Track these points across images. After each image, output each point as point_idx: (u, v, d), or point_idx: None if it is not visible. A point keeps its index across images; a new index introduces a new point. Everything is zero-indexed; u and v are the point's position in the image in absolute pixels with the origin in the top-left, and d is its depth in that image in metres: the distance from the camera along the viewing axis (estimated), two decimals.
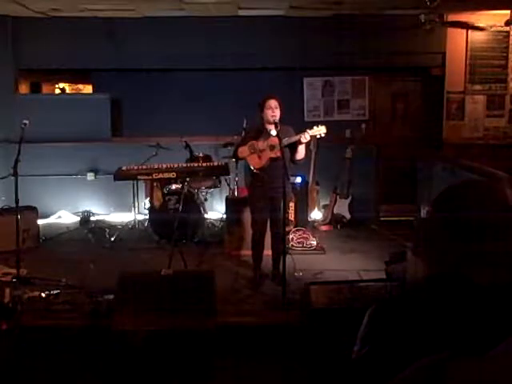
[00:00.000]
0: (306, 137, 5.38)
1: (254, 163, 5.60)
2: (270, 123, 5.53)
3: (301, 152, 5.53)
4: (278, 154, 5.37)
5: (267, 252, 5.90)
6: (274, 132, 5.45)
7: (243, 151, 5.62)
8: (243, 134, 5.96)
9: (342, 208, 8.18)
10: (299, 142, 5.43)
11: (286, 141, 5.41)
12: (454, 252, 1.27)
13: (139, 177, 6.12)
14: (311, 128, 5.48)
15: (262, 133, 5.61)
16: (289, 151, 5.54)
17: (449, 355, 0.92)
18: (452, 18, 8.44)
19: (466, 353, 0.92)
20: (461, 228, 1.27)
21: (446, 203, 1.34)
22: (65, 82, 10.46)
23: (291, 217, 7.21)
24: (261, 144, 5.56)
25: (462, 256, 1.26)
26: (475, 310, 1.20)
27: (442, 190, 1.38)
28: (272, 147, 5.49)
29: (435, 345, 1.14)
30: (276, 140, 5.39)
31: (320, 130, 5.48)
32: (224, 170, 6.24)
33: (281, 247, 5.53)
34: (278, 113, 5.46)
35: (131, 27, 8.51)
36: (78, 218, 8.39)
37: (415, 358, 1.10)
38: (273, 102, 5.47)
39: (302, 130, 5.47)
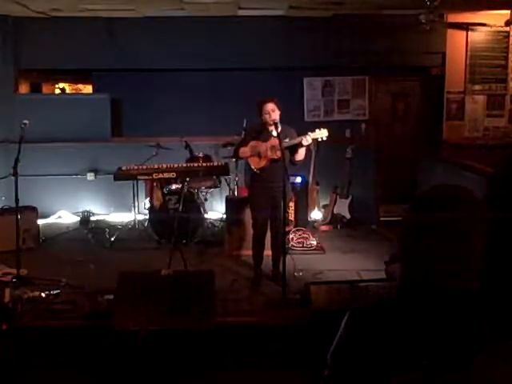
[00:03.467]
0: (307, 140, 5.39)
1: (255, 164, 5.61)
2: (270, 124, 5.54)
3: (301, 154, 5.54)
4: (279, 155, 5.39)
5: (267, 252, 5.90)
6: (275, 132, 5.47)
7: (244, 152, 5.63)
8: (243, 133, 5.97)
9: (342, 208, 8.18)
10: (300, 145, 5.44)
11: (286, 143, 5.41)
12: (425, 255, 1.27)
13: (139, 177, 6.12)
14: (313, 131, 5.48)
15: (263, 133, 5.62)
16: (289, 152, 5.55)
17: (430, 371, 0.91)
18: (452, 17, 8.44)
19: (442, 364, 0.91)
20: (431, 230, 1.27)
21: (419, 207, 1.34)
22: (65, 82, 10.46)
23: (291, 217, 7.22)
24: (262, 145, 5.56)
25: (433, 259, 1.26)
26: (445, 319, 1.19)
27: (417, 194, 1.38)
28: (273, 148, 5.50)
29: (408, 357, 1.12)
30: (277, 141, 5.40)
31: (322, 134, 5.46)
32: (224, 170, 6.24)
33: (281, 247, 5.54)
34: (276, 115, 5.46)
35: (131, 27, 8.51)
36: (78, 218, 8.38)
37: (386, 373, 1.08)
38: (269, 106, 5.46)
39: (304, 132, 5.47)
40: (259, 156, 5.58)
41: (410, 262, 1.30)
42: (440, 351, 1.07)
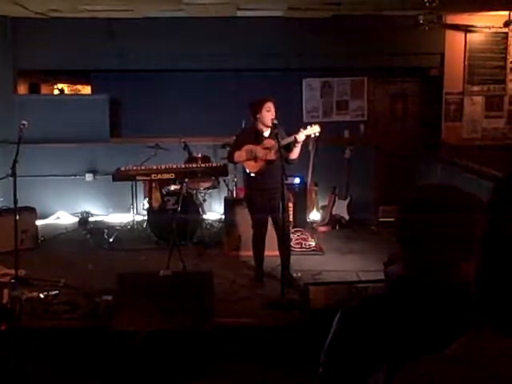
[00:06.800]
0: (300, 137, 5.40)
1: (251, 167, 5.61)
2: (266, 125, 5.54)
3: (295, 152, 5.54)
4: (274, 157, 5.41)
5: (268, 252, 5.90)
6: (266, 133, 5.50)
7: (240, 156, 5.63)
8: (236, 137, 5.93)
9: (341, 209, 8.18)
10: (294, 143, 5.45)
11: (281, 142, 5.42)
12: (422, 253, 1.29)
13: (138, 177, 6.13)
14: (305, 128, 5.51)
15: (257, 135, 5.62)
16: (283, 151, 5.56)
17: (402, 359, 0.92)
18: (451, 18, 8.45)
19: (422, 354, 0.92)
20: (426, 230, 1.29)
21: (411, 206, 1.37)
22: (64, 83, 10.46)
23: (290, 217, 7.21)
24: (257, 147, 5.56)
25: (428, 257, 1.28)
26: (436, 316, 1.21)
27: (408, 193, 1.42)
28: (268, 149, 5.50)
29: (399, 350, 1.14)
30: (271, 142, 5.43)
31: (314, 130, 5.52)
32: (222, 171, 6.26)
33: (286, 249, 5.56)
34: (274, 114, 5.49)
35: (130, 28, 8.50)
36: (77, 219, 8.37)
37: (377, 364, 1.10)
38: (272, 104, 5.48)
39: (296, 130, 5.49)
40: (255, 159, 5.58)
41: (408, 258, 1.33)
42: (426, 344, 1.08)
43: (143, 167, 6.42)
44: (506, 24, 8.50)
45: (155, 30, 8.48)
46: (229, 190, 7.79)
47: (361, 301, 1.47)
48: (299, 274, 5.94)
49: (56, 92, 10.38)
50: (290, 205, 7.16)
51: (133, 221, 7.85)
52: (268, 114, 5.48)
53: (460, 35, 8.58)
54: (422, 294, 1.27)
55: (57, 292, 5.31)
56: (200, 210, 7.30)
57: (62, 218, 8.61)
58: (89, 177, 8.70)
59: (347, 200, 8.22)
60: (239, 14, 8.20)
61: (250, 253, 5.98)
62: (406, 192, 1.44)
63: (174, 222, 5.87)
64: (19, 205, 5.68)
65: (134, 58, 8.52)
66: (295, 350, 4.39)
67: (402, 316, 1.27)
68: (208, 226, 7.71)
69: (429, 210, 1.31)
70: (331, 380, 1.36)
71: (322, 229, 8.03)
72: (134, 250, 6.92)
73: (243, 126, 7.26)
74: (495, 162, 6.75)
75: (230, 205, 6.98)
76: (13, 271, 5.56)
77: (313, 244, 6.97)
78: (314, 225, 8.05)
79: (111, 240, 7.27)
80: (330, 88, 8.97)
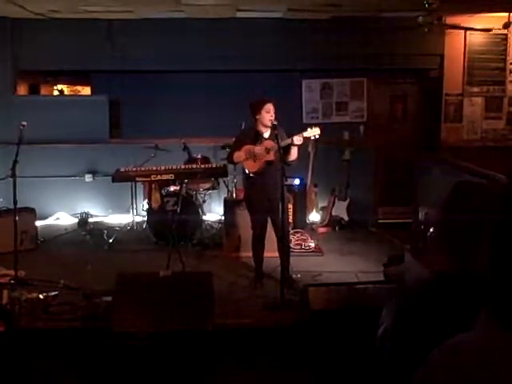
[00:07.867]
0: (299, 139, 5.41)
1: (250, 167, 5.62)
2: (265, 126, 5.55)
3: (293, 154, 5.55)
4: (273, 158, 5.41)
5: (268, 253, 5.90)
6: (266, 134, 5.50)
7: (239, 156, 5.64)
8: (236, 138, 5.95)
9: (341, 210, 8.19)
10: (292, 144, 5.46)
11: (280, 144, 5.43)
12: (468, 251, 1.31)
13: (137, 178, 6.12)
14: (306, 130, 5.53)
15: (256, 136, 5.62)
16: (282, 152, 5.57)
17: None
18: (450, 20, 8.45)
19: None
20: (474, 230, 1.31)
21: (457, 205, 1.38)
22: (63, 84, 10.45)
23: (289, 218, 7.22)
24: (256, 148, 5.57)
25: (473, 256, 1.30)
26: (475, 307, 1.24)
27: (450, 192, 1.42)
28: (267, 150, 5.51)
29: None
30: (271, 143, 5.43)
31: (314, 132, 5.53)
32: (222, 172, 6.26)
33: (284, 249, 5.56)
34: (274, 116, 5.49)
35: (130, 29, 8.50)
36: (76, 220, 8.37)
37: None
38: (271, 106, 5.49)
39: (299, 131, 5.50)
40: (254, 159, 5.59)
41: (451, 256, 1.37)
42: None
43: (143, 168, 6.41)
44: (506, 25, 8.50)
45: (155, 31, 8.48)
46: (228, 190, 7.79)
47: (411, 288, 1.53)
48: (299, 275, 5.94)
49: (56, 93, 10.37)
50: (290, 206, 7.17)
51: (132, 222, 7.85)
52: (267, 115, 5.48)
53: (460, 36, 8.59)
54: (460, 291, 1.30)
55: (56, 293, 5.30)
56: (200, 210, 7.30)
57: (62, 218, 8.60)
58: (88, 177, 8.69)
59: (347, 201, 8.22)
60: (239, 15, 8.20)
61: (250, 254, 5.98)
62: (447, 192, 1.46)
63: (173, 222, 5.87)
64: (19, 205, 5.67)
65: (133, 58, 8.52)
66: (295, 350, 4.39)
67: (442, 309, 1.31)
68: (208, 227, 7.71)
69: (474, 209, 1.32)
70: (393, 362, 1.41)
71: (322, 230, 8.03)
72: (133, 251, 6.92)
73: (243, 127, 7.25)
74: (495, 164, 6.75)
75: (229, 206, 6.98)
76: (12, 272, 5.55)
77: (312, 245, 6.98)
78: (314, 226, 8.05)
79: (111, 241, 7.27)
80: (330, 89, 8.97)
